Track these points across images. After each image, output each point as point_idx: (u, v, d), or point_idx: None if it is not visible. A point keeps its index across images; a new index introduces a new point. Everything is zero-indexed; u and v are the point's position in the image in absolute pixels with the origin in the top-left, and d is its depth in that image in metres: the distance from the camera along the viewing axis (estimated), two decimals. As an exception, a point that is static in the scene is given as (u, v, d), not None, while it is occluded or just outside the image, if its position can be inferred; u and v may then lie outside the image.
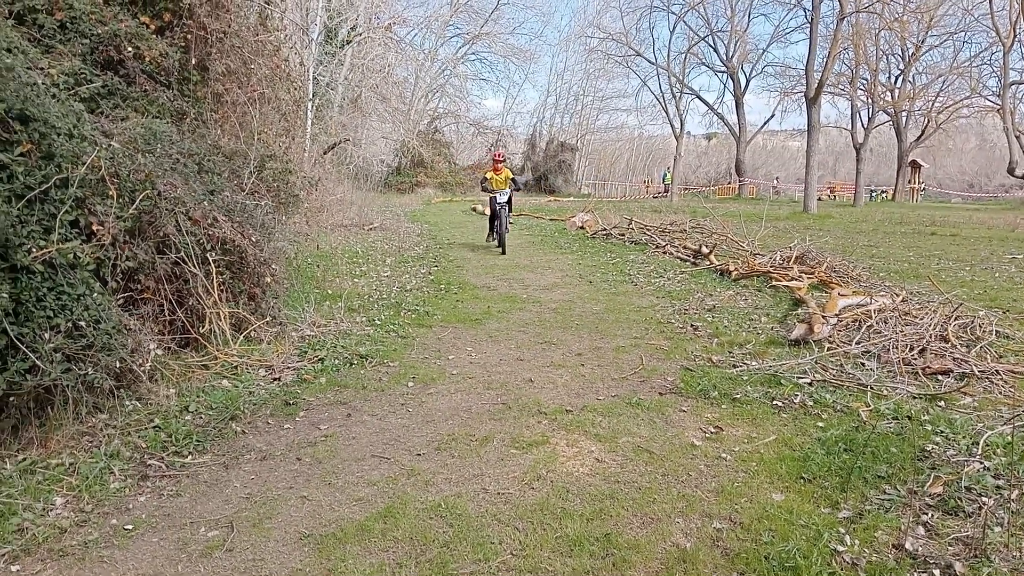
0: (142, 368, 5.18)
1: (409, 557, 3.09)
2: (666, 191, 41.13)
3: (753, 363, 5.81)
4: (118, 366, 4.84)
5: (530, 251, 14.01)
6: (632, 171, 62.96)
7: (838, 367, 5.59)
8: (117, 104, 7.47)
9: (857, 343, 6.04)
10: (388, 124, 40.92)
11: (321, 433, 4.63)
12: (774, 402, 4.89)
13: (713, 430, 4.46)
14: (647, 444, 4.28)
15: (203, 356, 5.89)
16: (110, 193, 5.00)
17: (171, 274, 5.91)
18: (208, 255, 6.13)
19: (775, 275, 9.18)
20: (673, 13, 40.46)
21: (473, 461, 4.11)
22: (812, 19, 25.77)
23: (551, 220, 21.02)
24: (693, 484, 3.76)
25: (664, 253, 12.83)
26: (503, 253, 13.36)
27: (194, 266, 5.87)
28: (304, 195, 8.75)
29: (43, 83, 6.32)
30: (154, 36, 8.15)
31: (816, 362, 5.66)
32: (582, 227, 17.32)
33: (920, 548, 3.01)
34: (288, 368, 6.01)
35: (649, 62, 40.28)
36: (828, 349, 6.01)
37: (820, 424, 4.49)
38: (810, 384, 5.19)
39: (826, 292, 8.38)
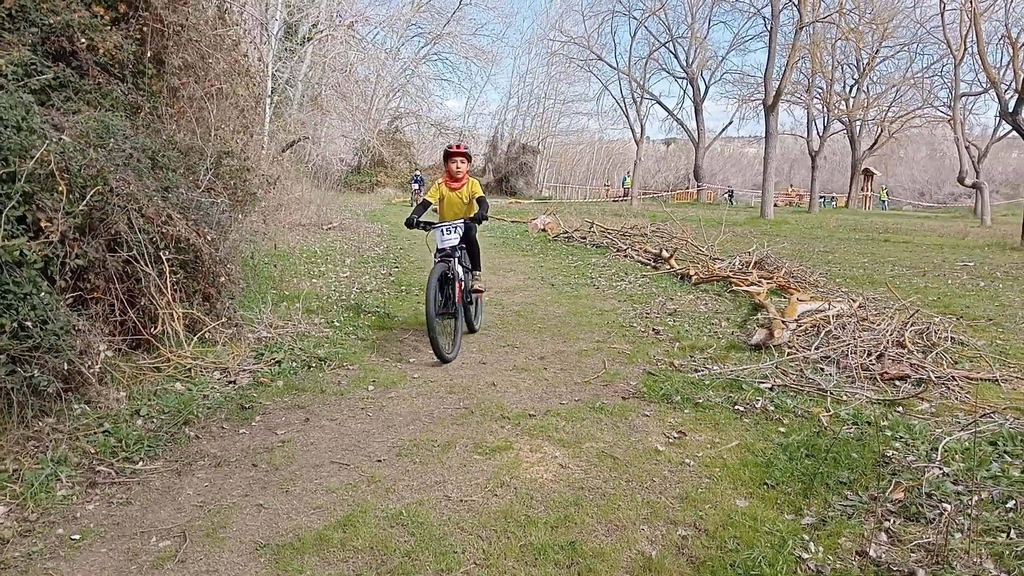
0: (91, 370, 5.00)
1: (369, 568, 3.01)
2: (626, 195, 41.44)
3: (715, 368, 5.82)
4: (66, 368, 4.66)
5: (492, 253, 13.94)
6: (592, 174, 63.36)
7: (798, 372, 5.64)
8: (69, 97, 7.22)
9: (816, 348, 6.10)
10: (348, 123, 40.56)
11: (278, 438, 4.51)
12: (736, 407, 4.90)
13: (676, 435, 4.45)
14: (611, 449, 4.25)
15: (155, 358, 5.71)
16: (60, 188, 4.82)
17: (123, 273, 5.73)
18: (161, 254, 5.96)
19: (735, 280, 9.27)
20: (634, 18, 40.88)
21: (435, 467, 4.03)
22: (771, 28, 26.21)
23: (512, 222, 21.00)
24: (657, 490, 3.74)
25: (625, 257, 12.88)
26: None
27: (146, 265, 5.69)
28: (261, 193, 8.55)
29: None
30: (109, 27, 7.92)
31: (777, 367, 5.70)
32: (544, 229, 17.34)
33: (883, 555, 3.02)
34: (244, 371, 5.86)
35: (610, 66, 40.61)
36: (788, 354, 6.06)
37: (782, 429, 4.51)
38: (771, 389, 5.21)
39: (785, 297, 8.48)
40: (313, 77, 36.02)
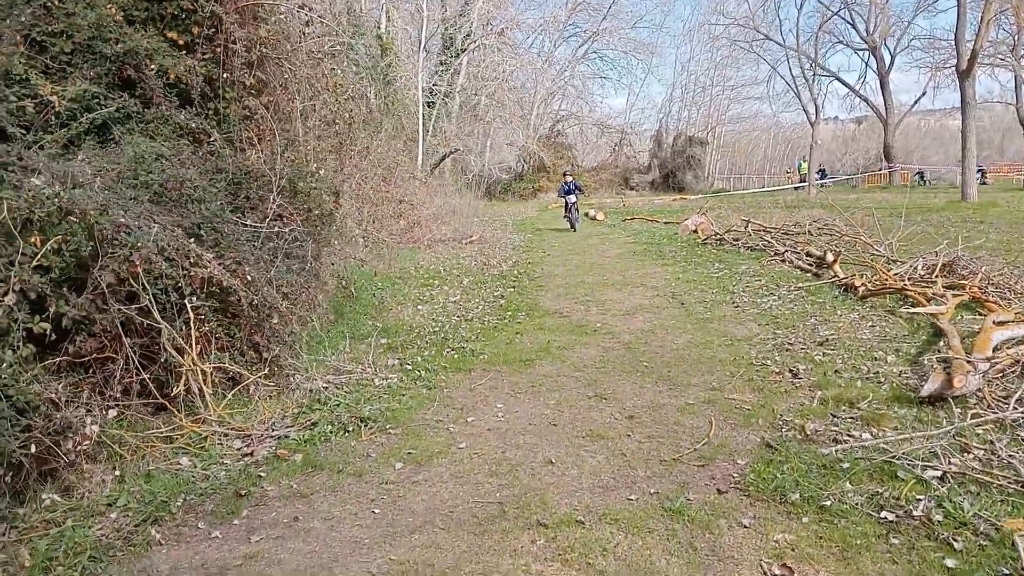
0: (77, 449, 4.29)
1: None
2: (803, 180, 37.93)
3: (863, 436, 4.19)
4: (33, 451, 3.94)
5: (627, 263, 12.50)
6: (770, 162, 59.22)
7: (987, 446, 3.88)
8: (132, 129, 6.77)
9: (1019, 402, 4.27)
10: (509, 130, 40.21)
11: (248, 549, 3.50)
12: (883, 513, 3.29)
13: (779, 572, 2.95)
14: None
15: (171, 426, 4.94)
16: (19, 241, 4.12)
17: (142, 327, 5.02)
18: (187, 301, 5.21)
19: (912, 292, 7.29)
20: (802, -11, 37.24)
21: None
22: (961, -19, 22.56)
23: (665, 223, 19.27)
24: None
25: (783, 261, 10.98)
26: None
27: (159, 316, 4.94)
28: (335, 210, 7.76)
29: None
30: (180, 52, 7.45)
31: (955, 436, 3.98)
32: (695, 231, 15.57)
33: None
34: (270, 437, 4.96)
35: (778, 44, 37.24)
36: (973, 415, 4.27)
37: (950, 563, 2.89)
38: (942, 479, 3.53)
39: (980, 314, 6.48)
40: (470, 88, 35.96)
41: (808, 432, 4.32)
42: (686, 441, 4.46)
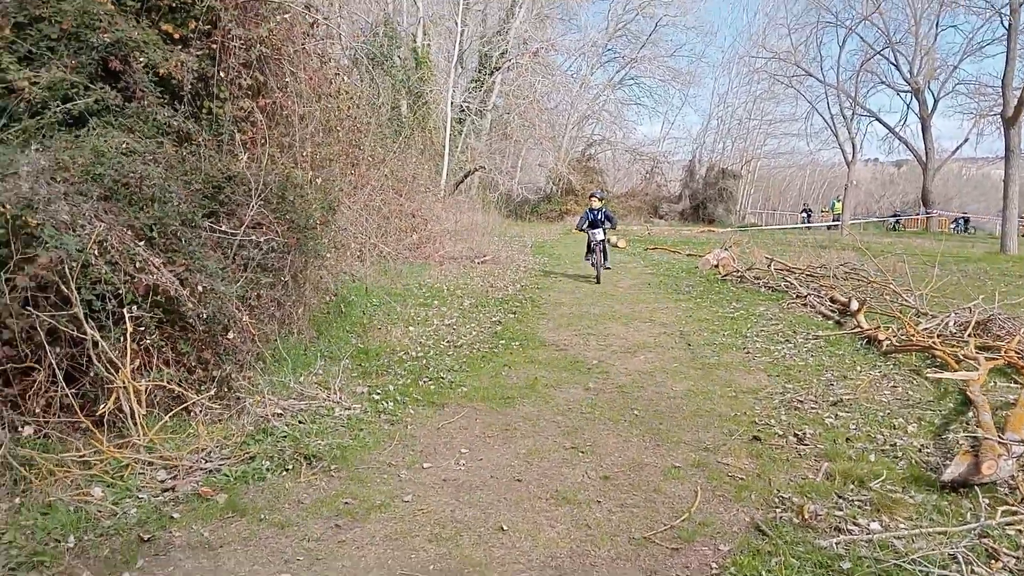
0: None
1: None
2: (836, 220, 36.98)
3: (872, 525, 3.55)
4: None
5: (639, 295, 11.87)
6: (803, 199, 58.12)
7: (1020, 552, 3.22)
8: (109, 123, 6.35)
9: (1062, 499, 3.61)
10: (540, 151, 39.86)
11: (124, 616, 2.96)
12: (886, 639, 2.67)
13: None
14: None
15: (92, 449, 4.42)
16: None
17: (72, 336, 4.53)
18: (127, 309, 4.72)
19: (941, 353, 6.60)
20: (843, 26, 36.40)
21: None
22: (1010, 26, 21.75)
23: (688, 255, 18.59)
24: None
25: (804, 305, 10.29)
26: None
27: (87, 326, 4.44)
28: (321, 226, 7.26)
29: None
30: (174, 47, 7.03)
31: (980, 537, 3.33)
32: (716, 266, 14.90)
33: None
34: (201, 469, 4.42)
35: (818, 80, 36.41)
36: (1005, 512, 3.61)
37: None
38: (963, 594, 2.90)
39: (1015, 383, 5.79)
40: (502, 107, 35.67)
41: (807, 515, 3.68)
42: (664, 514, 3.84)
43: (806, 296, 10.68)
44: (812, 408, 5.62)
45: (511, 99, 35.09)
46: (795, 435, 4.98)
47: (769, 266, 13.22)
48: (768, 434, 5.05)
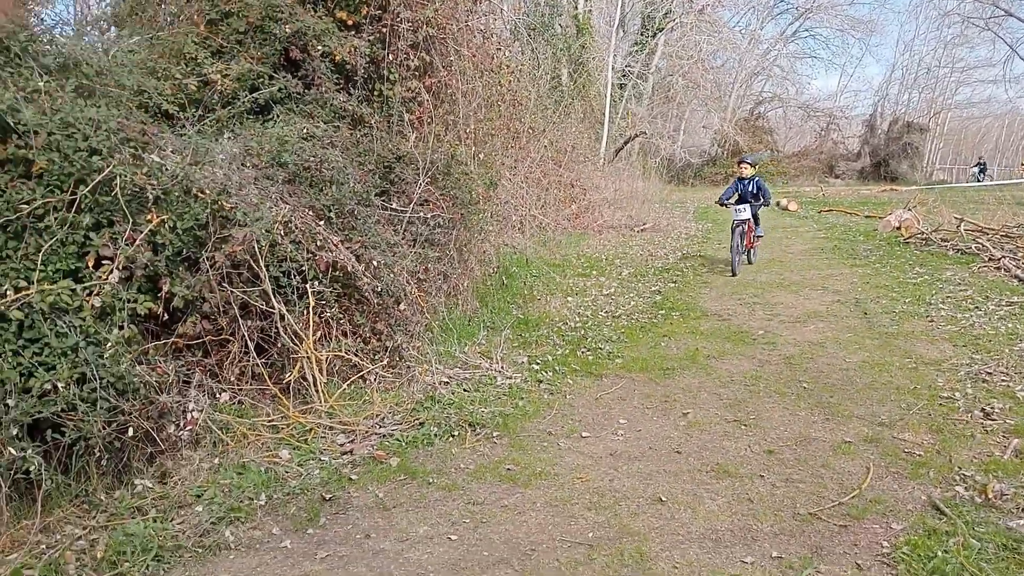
0: (179, 433, 4.29)
1: None
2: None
3: (1068, 511, 3.26)
4: (130, 435, 3.95)
5: (810, 260, 11.29)
6: (1002, 153, 52.67)
7: None
8: (291, 109, 6.86)
9: None
10: (704, 112, 38.60)
11: (310, 567, 3.26)
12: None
13: None
14: None
15: (280, 414, 4.86)
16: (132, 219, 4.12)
17: (262, 310, 4.98)
18: (310, 285, 5.12)
19: None
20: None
21: None
22: None
23: (867, 217, 17.38)
24: None
25: (998, 269, 9.42)
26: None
27: (275, 300, 4.86)
28: (484, 201, 7.46)
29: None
30: (347, 33, 7.43)
31: None
32: (898, 228, 13.88)
33: None
34: (375, 434, 4.76)
35: (1019, 20, 32.63)
36: None
37: None
38: None
39: None
40: (664, 68, 34.73)
41: (991, 495, 3.43)
42: (832, 490, 3.71)
43: (1000, 259, 9.75)
44: (1002, 380, 5.17)
45: (674, 60, 34.03)
46: (982, 409, 4.61)
47: (958, 227, 12.13)
48: (950, 408, 4.72)
